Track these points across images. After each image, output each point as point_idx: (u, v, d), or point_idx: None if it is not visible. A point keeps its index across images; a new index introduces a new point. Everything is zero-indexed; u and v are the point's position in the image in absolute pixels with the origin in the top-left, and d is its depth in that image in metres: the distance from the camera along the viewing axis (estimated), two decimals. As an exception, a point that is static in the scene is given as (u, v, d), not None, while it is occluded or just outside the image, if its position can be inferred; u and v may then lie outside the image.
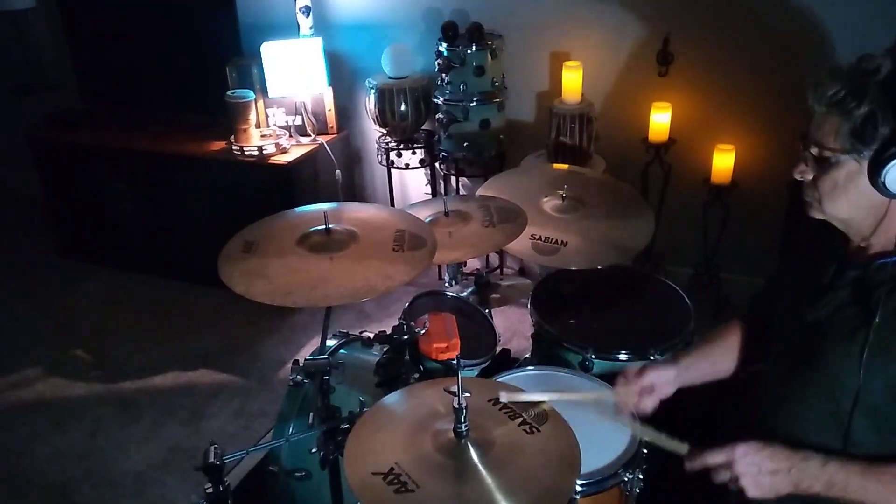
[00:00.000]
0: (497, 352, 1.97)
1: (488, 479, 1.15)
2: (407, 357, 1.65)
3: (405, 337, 1.63)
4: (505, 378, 1.64)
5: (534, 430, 1.25)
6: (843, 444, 1.28)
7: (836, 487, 1.22)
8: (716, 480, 1.28)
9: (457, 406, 1.19)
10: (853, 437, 1.27)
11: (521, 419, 1.27)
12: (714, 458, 1.28)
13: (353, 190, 3.56)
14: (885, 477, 1.20)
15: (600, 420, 1.47)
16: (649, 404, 1.49)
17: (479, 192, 2.16)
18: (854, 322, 1.26)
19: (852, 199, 1.24)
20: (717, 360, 1.56)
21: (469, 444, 1.19)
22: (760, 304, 1.58)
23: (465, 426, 1.19)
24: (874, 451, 1.26)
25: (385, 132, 3.17)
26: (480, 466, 1.17)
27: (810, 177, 1.27)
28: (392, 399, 1.38)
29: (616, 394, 1.50)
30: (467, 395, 1.19)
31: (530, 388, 1.39)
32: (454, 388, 1.19)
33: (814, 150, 1.24)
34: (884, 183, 1.16)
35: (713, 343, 1.58)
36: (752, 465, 1.25)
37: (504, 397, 1.33)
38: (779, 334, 1.47)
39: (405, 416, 1.31)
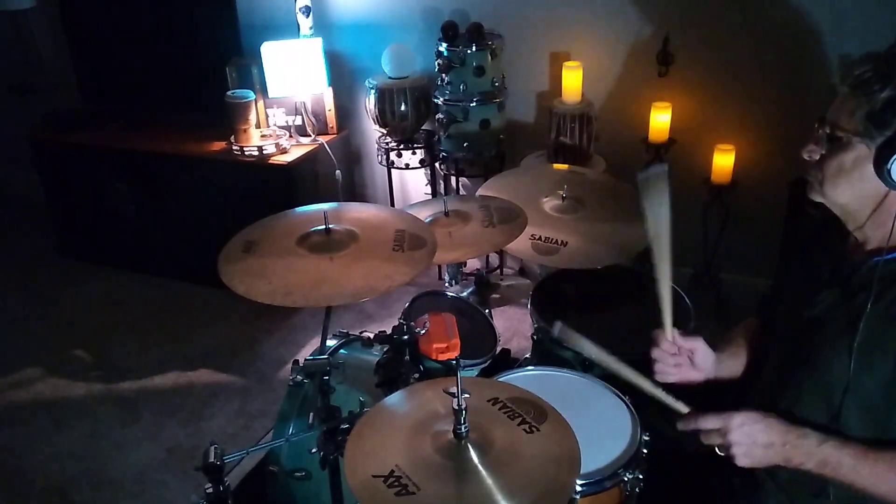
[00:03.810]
0: (497, 352, 1.97)
1: (488, 480, 1.14)
2: (407, 357, 1.65)
3: (405, 337, 1.63)
4: (505, 378, 1.64)
5: (533, 429, 1.25)
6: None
7: (829, 467, 1.22)
8: (705, 442, 1.28)
9: (456, 407, 1.19)
10: (848, 433, 1.27)
11: (520, 419, 1.27)
12: (709, 422, 1.28)
13: (353, 190, 3.56)
14: (879, 462, 1.20)
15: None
16: (671, 375, 1.45)
17: (479, 192, 2.16)
18: (846, 319, 1.26)
19: (854, 185, 1.24)
20: (741, 361, 1.56)
21: (469, 445, 1.19)
22: (769, 302, 1.59)
23: (465, 427, 1.19)
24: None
25: (385, 132, 3.17)
26: (481, 467, 1.17)
27: (817, 156, 1.26)
28: (392, 400, 1.38)
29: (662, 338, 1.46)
30: (467, 395, 1.19)
31: (530, 388, 1.39)
32: (453, 389, 1.19)
33: (827, 129, 1.23)
34: (889, 171, 1.16)
35: (739, 343, 1.57)
36: (747, 435, 1.25)
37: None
38: (778, 332, 1.47)
39: (405, 418, 1.31)
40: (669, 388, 1.38)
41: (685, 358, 1.47)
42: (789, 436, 1.25)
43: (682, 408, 1.33)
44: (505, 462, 1.18)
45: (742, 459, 1.25)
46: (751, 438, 1.25)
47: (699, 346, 1.46)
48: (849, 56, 1.22)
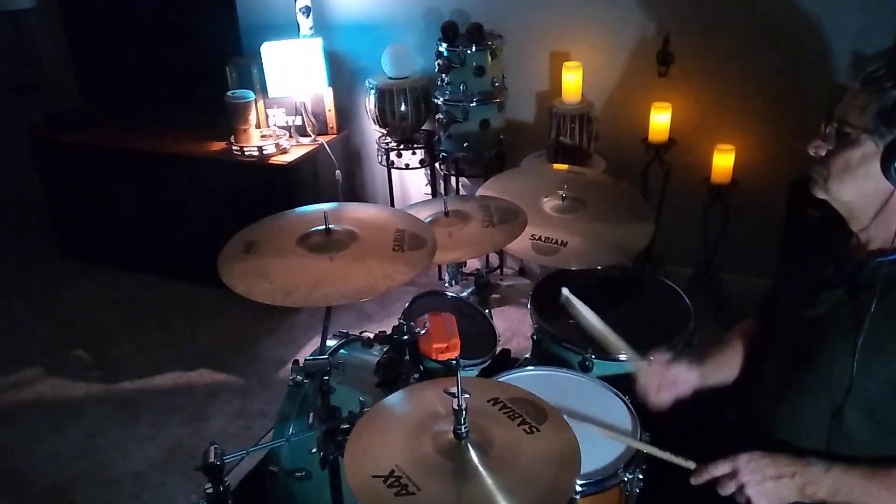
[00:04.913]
0: (497, 352, 1.97)
1: (489, 481, 1.14)
2: (407, 357, 1.65)
3: (405, 337, 1.63)
4: (505, 378, 1.64)
5: (533, 430, 1.25)
6: (840, 442, 1.28)
7: (841, 492, 1.22)
8: (722, 492, 1.28)
9: (456, 407, 1.19)
10: (850, 434, 1.27)
11: (520, 419, 1.27)
12: (719, 468, 1.28)
13: (353, 190, 3.56)
14: (888, 480, 1.20)
15: (607, 437, 1.47)
16: (667, 398, 1.49)
17: (479, 192, 2.16)
18: (849, 319, 1.26)
19: (859, 183, 1.23)
20: (735, 366, 1.56)
21: (469, 446, 1.19)
22: (769, 303, 1.59)
23: (465, 427, 1.19)
24: (872, 448, 1.26)
25: (385, 132, 3.17)
26: (481, 467, 1.17)
27: (823, 153, 1.26)
28: (392, 400, 1.38)
29: (645, 370, 1.50)
30: (467, 396, 1.19)
31: (530, 388, 1.39)
32: (454, 390, 1.19)
33: (835, 125, 1.23)
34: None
35: (732, 349, 1.58)
36: (756, 472, 1.25)
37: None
38: (779, 332, 1.47)
39: (405, 418, 1.31)
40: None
41: (668, 384, 1.50)
42: (796, 465, 1.25)
43: (690, 464, 1.33)
44: (505, 462, 1.18)
45: (760, 501, 1.25)
46: (760, 474, 1.25)
47: (676, 370, 1.50)
48: (861, 52, 1.22)
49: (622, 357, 1.72)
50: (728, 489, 1.27)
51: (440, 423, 1.25)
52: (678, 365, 1.50)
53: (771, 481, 1.24)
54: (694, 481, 1.31)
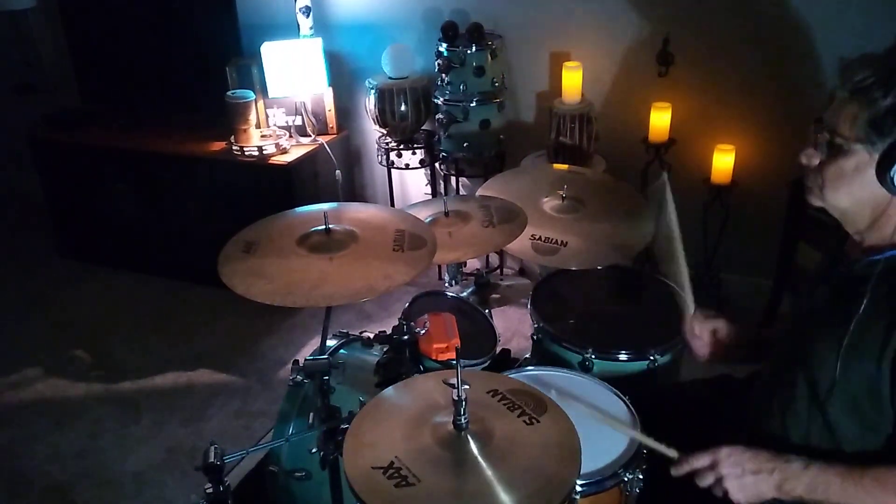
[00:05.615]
0: (497, 352, 1.97)
1: (488, 472, 1.15)
2: (407, 357, 1.65)
3: (405, 337, 1.63)
4: (505, 378, 1.64)
5: (533, 421, 1.25)
6: (830, 440, 1.28)
7: (819, 490, 1.22)
8: (701, 484, 1.29)
9: (456, 398, 1.19)
10: (835, 429, 1.28)
11: (520, 410, 1.28)
12: (699, 460, 1.30)
13: (353, 190, 3.56)
14: (864, 480, 1.20)
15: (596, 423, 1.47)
16: (704, 350, 1.59)
17: (479, 192, 2.16)
18: (838, 316, 1.26)
19: (854, 191, 1.23)
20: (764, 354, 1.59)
21: (469, 437, 1.19)
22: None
23: (465, 418, 1.19)
24: (856, 443, 1.27)
25: (385, 132, 3.17)
26: (480, 459, 1.17)
27: (816, 162, 1.25)
28: (391, 392, 1.38)
29: (693, 319, 1.62)
30: (466, 387, 1.19)
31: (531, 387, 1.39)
32: (453, 381, 1.19)
33: (826, 135, 1.23)
34: (891, 178, 1.15)
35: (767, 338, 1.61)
36: (736, 465, 1.26)
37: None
38: (777, 328, 1.48)
39: (404, 409, 1.31)
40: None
41: (710, 336, 1.59)
42: (776, 461, 1.26)
43: (673, 453, 1.35)
44: (505, 453, 1.18)
45: (737, 493, 1.26)
46: (740, 467, 1.26)
47: (720, 326, 1.60)
48: (847, 59, 1.21)
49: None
50: (706, 481, 1.29)
51: (440, 414, 1.25)
52: (716, 320, 1.59)
53: (750, 475, 1.25)
54: (674, 472, 1.32)
